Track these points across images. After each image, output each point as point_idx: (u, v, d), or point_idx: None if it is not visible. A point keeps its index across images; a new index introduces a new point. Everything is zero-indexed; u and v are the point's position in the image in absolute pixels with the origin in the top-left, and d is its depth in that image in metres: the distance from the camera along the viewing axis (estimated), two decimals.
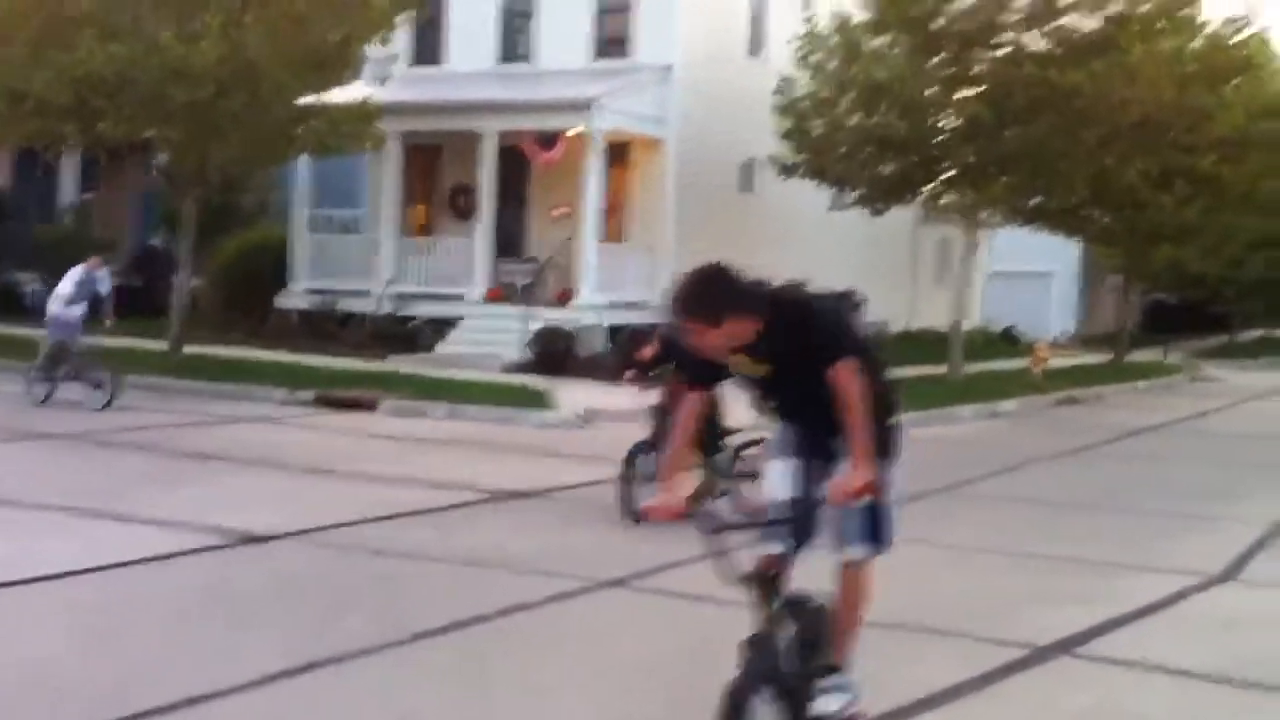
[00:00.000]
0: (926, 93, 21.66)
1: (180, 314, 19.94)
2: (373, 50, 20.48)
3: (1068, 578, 8.51)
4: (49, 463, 11.92)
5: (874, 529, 4.75)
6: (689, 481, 9.50)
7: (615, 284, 22.84)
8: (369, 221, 26.04)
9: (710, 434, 9.85)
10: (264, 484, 11.03)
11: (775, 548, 4.67)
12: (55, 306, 15.51)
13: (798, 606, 4.75)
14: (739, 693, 4.39)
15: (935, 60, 21.62)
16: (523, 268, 24.47)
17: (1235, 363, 35.17)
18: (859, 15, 22.18)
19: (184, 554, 8.14)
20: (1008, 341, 33.46)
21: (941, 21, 21.21)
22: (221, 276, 25.77)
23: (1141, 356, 31.85)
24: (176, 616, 6.83)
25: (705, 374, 4.76)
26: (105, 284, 15.86)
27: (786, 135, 23.39)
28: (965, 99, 21.72)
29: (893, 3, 21.37)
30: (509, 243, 24.81)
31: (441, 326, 23.07)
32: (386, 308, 23.70)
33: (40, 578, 7.35)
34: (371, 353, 21.50)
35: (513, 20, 25.54)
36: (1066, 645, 6.71)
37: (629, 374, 10.43)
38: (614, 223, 24.35)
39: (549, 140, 22.98)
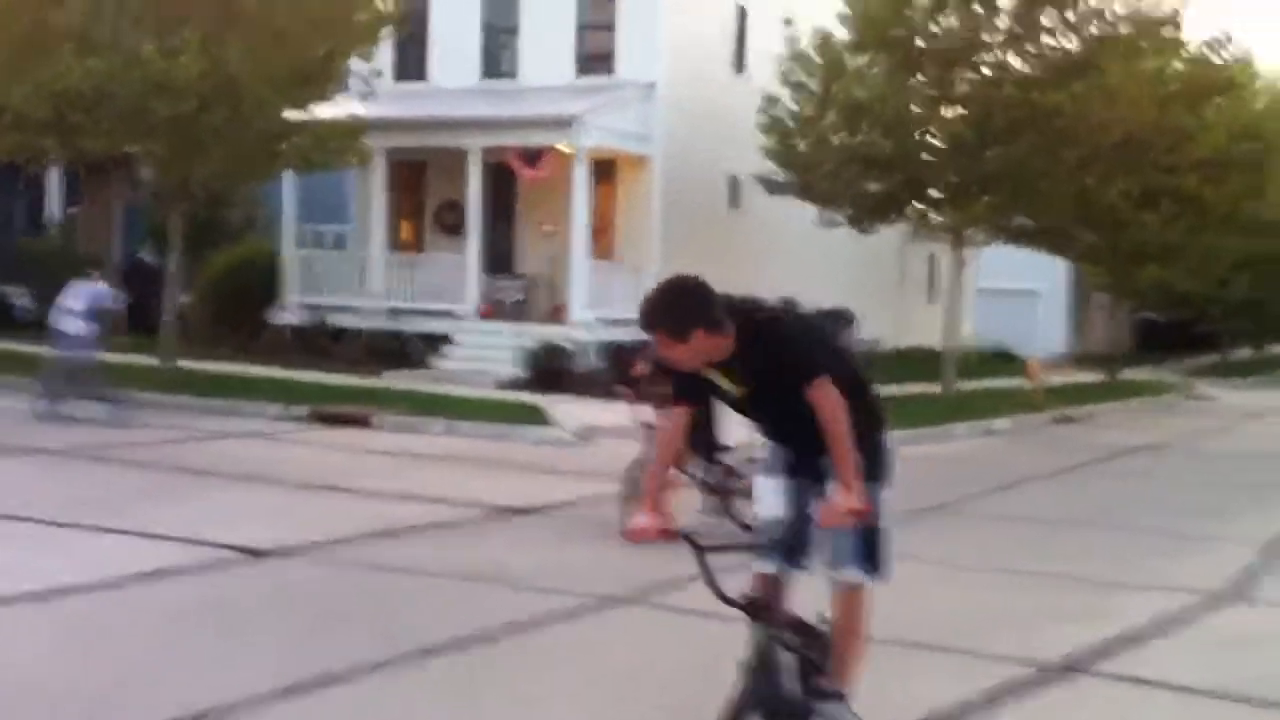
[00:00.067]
0: (909, 111, 21.74)
1: (171, 329, 19.89)
2: (356, 65, 20.45)
3: (1065, 595, 8.54)
4: (43, 477, 11.86)
5: (869, 553, 4.68)
6: (673, 500, 9.52)
7: (605, 300, 22.87)
8: (357, 237, 26.05)
9: (706, 449, 9.87)
10: (259, 499, 11.01)
11: (767, 567, 4.64)
12: (65, 323, 15.50)
13: (797, 630, 4.70)
14: (736, 715, 4.36)
15: (916, 80, 21.72)
16: (513, 284, 24.51)
17: (1227, 381, 35.31)
18: (840, 33, 22.28)
19: (179, 569, 8.12)
20: (1001, 359, 33.47)
21: (921, 43, 21.32)
22: (210, 292, 25.71)
23: (1133, 375, 31.96)
24: (171, 631, 6.81)
25: (688, 390, 4.68)
26: (113, 300, 15.94)
27: (771, 154, 23.49)
28: (947, 119, 21.83)
29: (871, 24, 21.48)
30: (498, 258, 24.85)
31: (434, 342, 23.08)
32: (380, 323, 23.68)
33: (34, 592, 7.33)
34: (365, 368, 21.47)
35: (496, 36, 25.59)
36: (1069, 662, 6.73)
37: (622, 390, 10.44)
38: (602, 240, 24.38)
39: (534, 156, 23.04)
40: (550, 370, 21.28)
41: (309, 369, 20.79)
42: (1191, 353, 41.78)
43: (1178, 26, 23.10)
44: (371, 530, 9.58)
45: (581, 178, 22.65)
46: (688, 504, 9.76)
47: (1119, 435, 19.93)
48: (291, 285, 25.01)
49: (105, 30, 18.30)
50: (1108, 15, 21.60)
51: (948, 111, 21.93)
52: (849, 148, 22.21)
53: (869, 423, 4.69)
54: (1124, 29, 21.76)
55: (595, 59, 24.71)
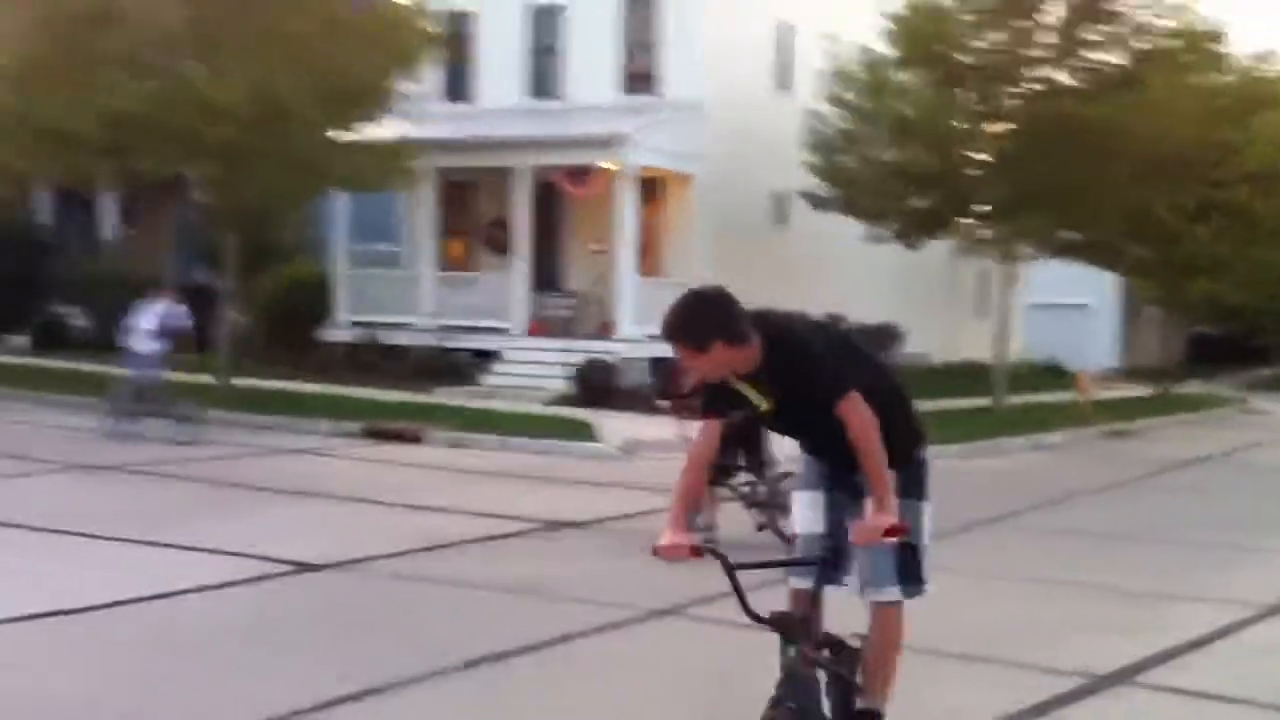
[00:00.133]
0: (954, 127, 21.70)
1: (228, 348, 20.18)
2: (404, 87, 20.66)
3: (1114, 607, 8.49)
4: (100, 492, 12.08)
5: (907, 570, 4.63)
6: (717, 513, 9.56)
7: (652, 317, 22.83)
8: (407, 256, 26.30)
9: (756, 463, 9.91)
10: (312, 514, 11.16)
11: (804, 583, 4.58)
12: (137, 342, 15.76)
13: (831, 648, 4.65)
14: None
15: (960, 95, 21.68)
16: (562, 301, 24.64)
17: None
18: (884, 50, 22.30)
19: (233, 583, 8.26)
20: (1052, 373, 33.18)
21: (964, 59, 21.29)
22: (264, 311, 26.09)
23: (1185, 389, 31.62)
24: (221, 643, 6.93)
25: (718, 402, 4.59)
26: (183, 319, 16.25)
27: (816, 170, 23.51)
28: (992, 134, 21.76)
29: (914, 39, 21.47)
30: (546, 276, 25.02)
31: (483, 359, 23.26)
32: (430, 341, 23.89)
33: (92, 605, 7.48)
34: (416, 385, 21.66)
35: (542, 57, 25.84)
36: (1122, 674, 6.71)
37: (666, 404, 10.49)
38: (649, 257, 24.48)
39: (581, 175, 23.19)
40: (598, 386, 21.37)
41: (361, 386, 21.00)
42: (1244, 366, 41.23)
43: (1223, 40, 22.94)
44: (421, 544, 9.70)
45: (629, 196, 22.78)
46: (734, 518, 9.84)
47: (1170, 449, 19.74)
48: (342, 304, 25.31)
49: (154, 54, 18.59)
50: (1152, 30, 21.47)
51: (994, 126, 21.85)
52: (894, 163, 22.21)
53: (908, 439, 4.65)
54: (1169, 43, 21.63)
55: (639, 78, 24.88)
